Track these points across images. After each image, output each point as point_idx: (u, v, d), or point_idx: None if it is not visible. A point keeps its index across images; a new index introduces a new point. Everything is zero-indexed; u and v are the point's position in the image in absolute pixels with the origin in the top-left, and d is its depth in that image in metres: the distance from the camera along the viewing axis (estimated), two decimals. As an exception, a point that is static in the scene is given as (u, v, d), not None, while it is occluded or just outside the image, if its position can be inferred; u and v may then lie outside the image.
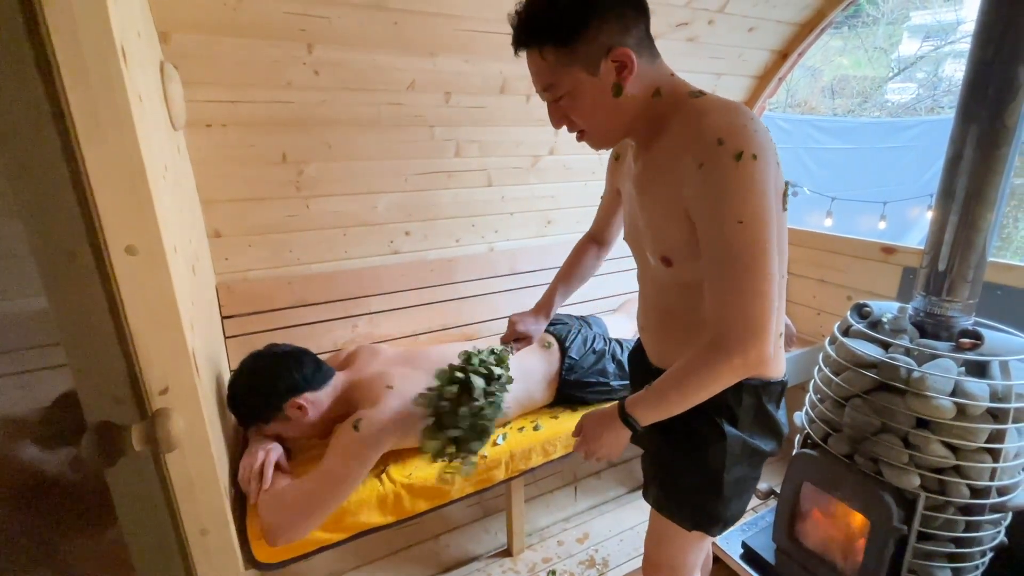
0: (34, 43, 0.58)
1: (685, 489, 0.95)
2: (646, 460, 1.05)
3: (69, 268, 0.66)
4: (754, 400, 0.90)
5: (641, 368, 1.05)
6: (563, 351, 1.58)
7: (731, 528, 0.96)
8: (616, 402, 0.86)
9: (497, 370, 1.21)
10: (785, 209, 0.80)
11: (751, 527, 1.63)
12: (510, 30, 0.78)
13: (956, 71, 7.17)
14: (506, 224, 1.98)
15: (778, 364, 0.93)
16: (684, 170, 0.74)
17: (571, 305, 1.94)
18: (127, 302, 0.70)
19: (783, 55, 2.02)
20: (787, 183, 0.80)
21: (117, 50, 0.62)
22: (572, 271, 1.23)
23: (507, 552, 1.69)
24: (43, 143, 0.61)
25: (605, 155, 1.24)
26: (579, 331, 1.65)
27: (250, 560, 1.10)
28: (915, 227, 4.26)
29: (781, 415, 0.96)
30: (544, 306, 1.24)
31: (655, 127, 0.81)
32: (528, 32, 0.75)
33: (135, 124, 0.65)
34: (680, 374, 0.78)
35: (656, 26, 1.68)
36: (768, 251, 0.72)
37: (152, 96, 0.87)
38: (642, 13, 0.77)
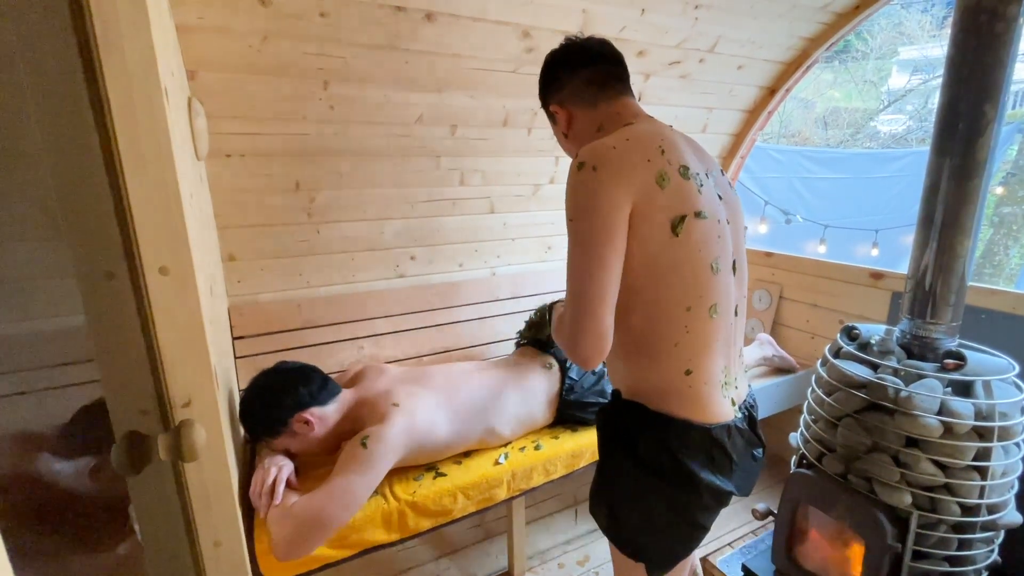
0: (90, 84, 0.65)
1: (616, 516, 0.94)
2: None
3: (107, 287, 0.71)
4: (656, 434, 0.86)
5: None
6: (563, 372, 1.62)
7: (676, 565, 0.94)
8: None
9: None
10: (676, 235, 0.80)
11: (751, 550, 1.64)
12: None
13: (945, 103, 7.36)
14: (508, 249, 2.05)
15: (687, 404, 0.86)
16: None
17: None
18: (157, 319, 0.75)
19: (771, 91, 2.12)
20: (684, 216, 0.80)
21: (162, 92, 0.69)
22: None
23: (508, 575, 1.69)
24: (91, 172, 0.67)
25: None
26: (579, 353, 1.69)
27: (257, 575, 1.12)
28: (908, 254, 4.32)
29: (709, 474, 0.85)
30: None
31: None
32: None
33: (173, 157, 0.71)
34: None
35: (650, 65, 1.78)
36: (588, 252, 0.79)
37: (181, 129, 0.94)
38: (575, 70, 0.94)
